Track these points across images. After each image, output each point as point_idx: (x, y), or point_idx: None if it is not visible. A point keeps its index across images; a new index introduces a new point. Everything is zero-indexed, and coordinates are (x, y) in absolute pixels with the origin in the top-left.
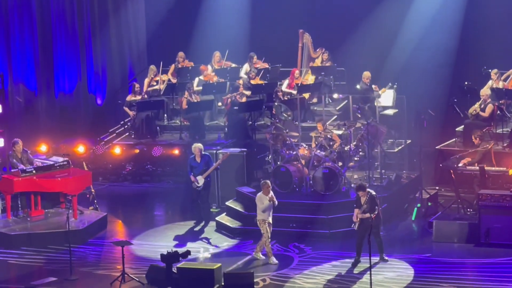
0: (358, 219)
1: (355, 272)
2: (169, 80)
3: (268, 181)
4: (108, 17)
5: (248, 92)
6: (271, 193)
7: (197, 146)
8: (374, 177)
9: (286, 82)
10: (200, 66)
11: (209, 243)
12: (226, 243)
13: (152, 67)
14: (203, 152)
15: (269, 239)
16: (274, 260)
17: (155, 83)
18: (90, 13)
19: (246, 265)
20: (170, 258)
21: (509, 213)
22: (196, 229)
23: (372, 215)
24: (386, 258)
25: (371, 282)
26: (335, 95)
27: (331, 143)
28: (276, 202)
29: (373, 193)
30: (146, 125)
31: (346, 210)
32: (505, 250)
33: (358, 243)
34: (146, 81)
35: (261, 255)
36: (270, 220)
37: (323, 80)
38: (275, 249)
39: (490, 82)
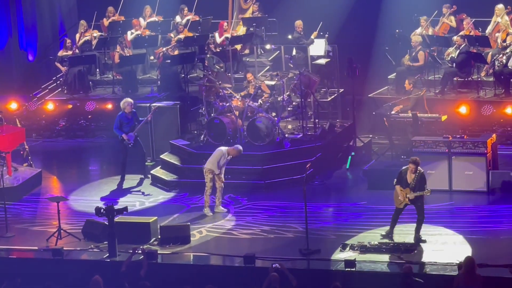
0: (407, 199)
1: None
2: (101, 35)
3: (241, 149)
4: None
5: (182, 36)
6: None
7: (129, 100)
8: (308, 127)
9: (216, 35)
10: (132, 20)
11: (144, 193)
12: (161, 196)
13: (82, 22)
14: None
15: (210, 190)
16: (208, 211)
17: (88, 38)
18: None
19: (182, 218)
20: (106, 212)
21: (443, 159)
22: (132, 183)
23: (426, 193)
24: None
25: (307, 232)
26: (267, 46)
27: (262, 93)
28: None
29: (422, 170)
30: (79, 80)
31: (280, 160)
32: (438, 196)
33: (395, 218)
34: (77, 36)
35: (222, 208)
36: (222, 177)
37: (255, 31)
38: (211, 201)
39: (419, 29)
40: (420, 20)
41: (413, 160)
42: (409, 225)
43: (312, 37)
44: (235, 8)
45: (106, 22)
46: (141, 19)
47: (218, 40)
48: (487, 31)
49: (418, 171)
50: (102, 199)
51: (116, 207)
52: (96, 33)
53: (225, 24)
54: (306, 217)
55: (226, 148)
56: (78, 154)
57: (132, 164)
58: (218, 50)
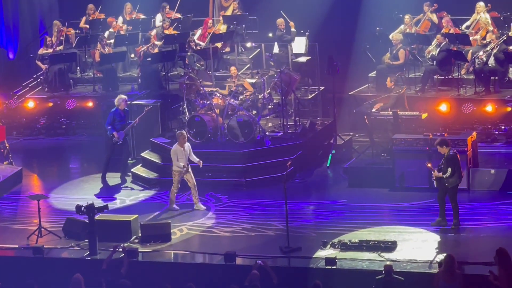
0: (434, 177)
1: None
2: (81, 31)
3: (184, 131)
4: None
5: (159, 43)
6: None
7: (124, 97)
8: (288, 125)
9: (199, 32)
10: (107, 19)
11: (133, 188)
12: (142, 194)
13: (56, 22)
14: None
15: (177, 190)
16: (174, 207)
17: (62, 38)
18: None
19: (162, 216)
20: (86, 210)
21: (423, 157)
22: (114, 181)
23: (444, 175)
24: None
25: (287, 229)
26: (248, 44)
27: (243, 91)
28: (201, 163)
29: (451, 153)
30: (59, 78)
31: (261, 158)
32: (419, 194)
33: (439, 203)
34: (53, 39)
35: (201, 205)
36: (189, 168)
37: (235, 29)
38: (191, 200)
39: (402, 27)
40: (405, 17)
41: (441, 142)
42: (388, 226)
43: (292, 28)
44: (216, 6)
45: (83, 22)
46: (120, 17)
47: (196, 38)
48: (463, 27)
49: (448, 152)
50: (98, 196)
51: (96, 206)
52: (71, 31)
53: (210, 21)
54: (287, 215)
55: (175, 144)
56: (58, 152)
57: (115, 162)
58: (198, 48)
